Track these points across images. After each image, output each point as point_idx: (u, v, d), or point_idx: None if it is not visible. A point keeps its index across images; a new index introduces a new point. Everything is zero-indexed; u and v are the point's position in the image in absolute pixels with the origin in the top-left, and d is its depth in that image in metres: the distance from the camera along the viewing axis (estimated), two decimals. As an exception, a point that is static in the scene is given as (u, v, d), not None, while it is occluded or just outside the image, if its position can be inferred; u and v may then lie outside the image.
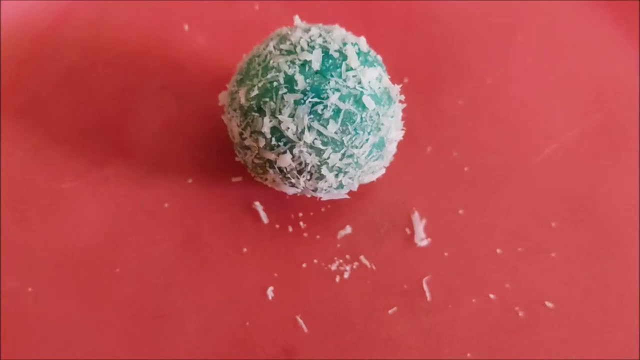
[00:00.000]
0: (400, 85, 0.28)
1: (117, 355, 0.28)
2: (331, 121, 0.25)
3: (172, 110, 0.33)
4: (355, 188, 0.29)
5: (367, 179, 0.29)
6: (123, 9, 0.36)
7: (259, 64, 0.27)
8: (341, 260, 0.31)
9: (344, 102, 0.26)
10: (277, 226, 0.31)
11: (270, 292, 0.30)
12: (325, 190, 0.28)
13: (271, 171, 0.27)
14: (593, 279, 0.31)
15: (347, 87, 0.26)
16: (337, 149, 0.26)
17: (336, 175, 0.27)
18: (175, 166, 0.32)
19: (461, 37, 0.36)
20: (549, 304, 0.30)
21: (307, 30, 0.27)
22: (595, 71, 0.35)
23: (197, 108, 0.33)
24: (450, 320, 0.30)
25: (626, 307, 0.30)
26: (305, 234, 0.31)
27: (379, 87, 0.27)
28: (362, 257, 0.31)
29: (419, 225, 0.31)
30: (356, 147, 0.26)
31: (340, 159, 0.26)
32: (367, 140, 0.26)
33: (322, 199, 0.30)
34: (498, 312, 0.30)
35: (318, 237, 0.31)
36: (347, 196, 0.30)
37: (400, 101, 0.29)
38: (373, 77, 0.26)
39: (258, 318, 0.29)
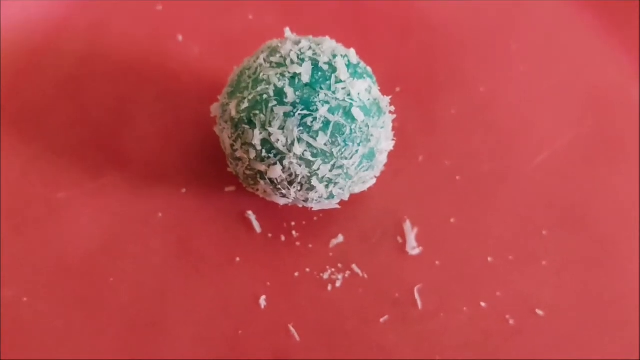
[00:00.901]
0: (390, 97, 0.29)
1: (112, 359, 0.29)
2: (320, 133, 0.26)
3: (166, 120, 0.33)
4: (346, 198, 0.30)
5: (358, 188, 0.29)
6: (119, 19, 0.36)
7: (249, 77, 0.27)
8: (333, 269, 0.31)
9: (333, 114, 0.26)
10: (270, 235, 0.31)
11: (262, 300, 0.30)
12: (316, 200, 0.28)
13: (262, 182, 0.28)
14: (583, 288, 0.31)
15: (337, 99, 0.26)
16: (326, 160, 0.26)
17: (326, 186, 0.27)
18: (169, 176, 0.32)
19: (454, 46, 0.36)
20: (539, 312, 0.30)
21: (297, 43, 0.28)
22: (587, 80, 0.36)
23: (191, 118, 0.33)
24: (441, 328, 0.30)
25: (616, 316, 0.30)
26: (297, 243, 0.31)
27: (369, 99, 0.27)
28: (354, 266, 0.31)
29: (411, 234, 0.32)
30: (346, 159, 0.27)
31: (330, 170, 0.27)
32: (356, 151, 0.27)
33: (313, 209, 0.31)
34: (489, 320, 0.30)
35: (310, 246, 0.31)
36: (338, 206, 0.30)
37: (391, 112, 0.29)
38: (362, 89, 0.27)
39: (251, 326, 0.30)
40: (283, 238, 0.31)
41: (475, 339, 0.30)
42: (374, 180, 0.30)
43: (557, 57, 0.36)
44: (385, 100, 0.28)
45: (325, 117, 0.26)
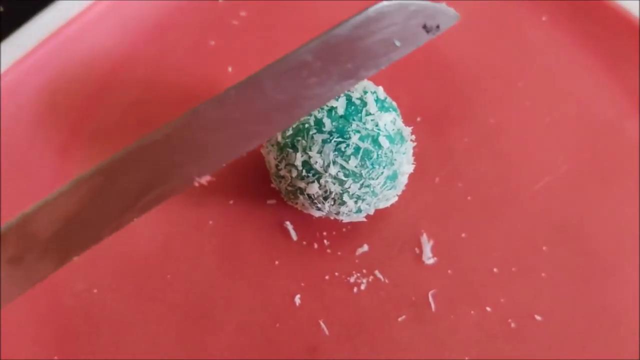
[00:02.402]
0: (412, 127, 0.32)
1: (167, 348, 0.32)
2: (352, 157, 0.30)
3: None
4: (372, 212, 0.33)
5: (382, 205, 0.33)
6: (177, 52, 0.40)
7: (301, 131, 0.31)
8: (358, 274, 0.33)
9: (363, 141, 0.30)
10: (305, 243, 0.34)
11: (297, 299, 0.33)
12: (346, 214, 0.32)
13: (301, 197, 0.31)
14: (578, 297, 0.33)
15: (366, 129, 0.30)
16: (356, 180, 0.30)
17: (355, 202, 0.31)
18: (219, 189, 0.35)
19: (468, 83, 0.39)
20: (538, 318, 0.32)
21: None
22: (586, 115, 0.38)
23: None
24: (451, 328, 0.32)
25: (608, 322, 0.32)
26: (328, 250, 0.34)
27: (393, 129, 0.31)
28: (376, 272, 0.33)
29: (427, 246, 0.34)
30: (373, 179, 0.30)
31: (359, 188, 0.30)
32: (382, 173, 0.30)
33: (343, 221, 0.34)
34: (493, 323, 0.32)
35: (339, 253, 0.34)
36: (364, 219, 0.33)
37: (412, 140, 0.32)
38: (388, 121, 0.30)
39: (286, 321, 0.32)
40: (316, 246, 0.34)
41: (481, 339, 0.32)
42: (396, 198, 0.33)
43: (559, 94, 0.38)
44: (407, 130, 0.32)
45: (356, 144, 0.30)
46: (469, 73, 0.39)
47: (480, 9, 0.41)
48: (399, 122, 0.32)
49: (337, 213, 0.32)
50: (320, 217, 0.34)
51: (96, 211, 0.22)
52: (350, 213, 0.32)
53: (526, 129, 0.37)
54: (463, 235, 0.35)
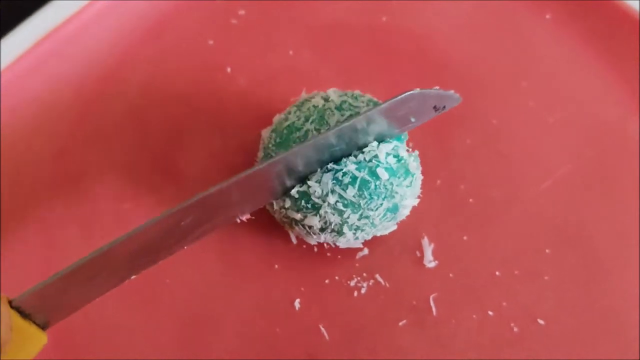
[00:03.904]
0: (416, 152, 0.32)
1: (166, 353, 0.32)
2: (350, 187, 0.29)
3: (216, 144, 0.37)
4: (369, 238, 0.32)
5: (380, 233, 0.32)
6: (175, 53, 0.39)
7: (298, 138, 0.31)
8: (359, 278, 0.33)
9: (360, 171, 0.29)
10: (304, 247, 0.34)
11: (297, 303, 0.33)
12: (343, 243, 0.32)
13: (297, 228, 0.31)
14: (581, 301, 0.33)
15: (365, 159, 0.30)
16: (355, 210, 0.30)
17: (354, 233, 0.30)
18: None
19: (470, 83, 0.38)
20: (540, 321, 0.32)
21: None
22: (589, 115, 0.37)
23: (238, 142, 0.36)
24: (453, 333, 0.32)
25: (610, 325, 0.32)
26: (328, 254, 0.34)
27: (396, 162, 0.30)
28: (377, 276, 0.33)
29: (428, 249, 0.34)
30: (371, 210, 0.30)
31: (359, 219, 0.30)
32: (381, 204, 0.30)
33: (340, 247, 0.33)
34: (495, 327, 0.32)
35: (339, 257, 0.34)
36: (361, 245, 0.33)
37: (420, 172, 0.32)
38: (388, 150, 0.30)
39: (286, 325, 0.32)
40: (316, 249, 0.34)
41: (483, 344, 0.32)
42: (395, 227, 0.33)
43: (562, 94, 0.38)
44: (414, 163, 0.31)
45: (353, 173, 0.29)
46: (471, 73, 0.39)
47: (483, 8, 0.41)
48: (403, 152, 0.31)
49: (335, 242, 0.32)
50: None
51: (162, 243, 0.28)
52: (349, 242, 0.32)
53: (529, 129, 0.37)
54: (465, 238, 0.35)
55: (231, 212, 0.30)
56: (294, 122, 0.31)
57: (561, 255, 0.34)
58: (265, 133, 0.33)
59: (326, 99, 0.32)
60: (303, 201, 0.30)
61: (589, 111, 0.38)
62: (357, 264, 0.34)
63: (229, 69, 0.39)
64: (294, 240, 0.34)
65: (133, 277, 0.28)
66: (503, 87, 0.38)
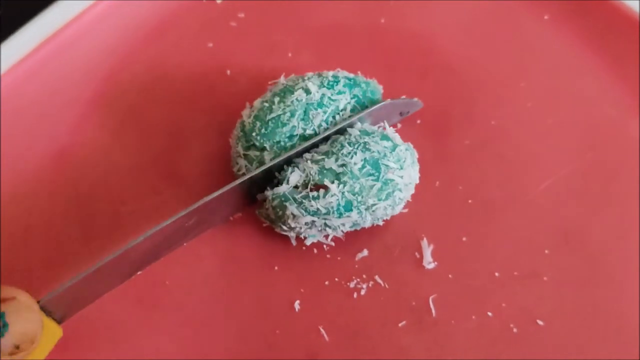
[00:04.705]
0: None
1: (166, 354, 0.32)
2: (322, 144, 0.33)
3: (215, 145, 0.37)
4: (364, 216, 0.32)
5: (374, 205, 0.31)
6: (175, 55, 0.40)
7: (285, 133, 0.33)
8: (358, 279, 0.33)
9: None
10: (304, 248, 0.34)
11: (297, 304, 0.33)
12: (334, 210, 0.31)
13: (289, 219, 0.32)
14: (580, 302, 0.33)
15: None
16: (329, 156, 0.32)
17: (338, 186, 0.31)
18: None
19: (469, 84, 0.38)
20: (540, 322, 0.32)
21: None
22: (588, 116, 0.38)
23: None
24: (452, 334, 0.32)
25: (609, 326, 0.32)
26: (328, 256, 0.34)
27: (370, 131, 0.32)
28: (376, 277, 0.33)
29: (427, 250, 0.34)
30: (346, 157, 0.31)
31: (338, 165, 0.31)
32: (355, 153, 0.31)
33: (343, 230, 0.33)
34: (495, 328, 0.32)
35: (339, 258, 0.34)
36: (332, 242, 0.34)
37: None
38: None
39: (286, 327, 0.32)
40: (315, 251, 0.34)
41: (482, 345, 0.32)
42: (394, 208, 0.33)
43: (561, 95, 0.38)
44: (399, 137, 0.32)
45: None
46: (470, 73, 0.39)
47: (481, 9, 0.41)
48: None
49: (327, 213, 0.31)
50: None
51: (166, 244, 0.33)
52: (340, 208, 0.31)
53: (528, 130, 0.37)
54: (464, 239, 0.35)
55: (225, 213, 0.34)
56: (279, 116, 0.33)
57: (560, 256, 0.34)
58: (247, 117, 0.34)
59: (307, 92, 0.33)
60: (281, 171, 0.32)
61: (588, 112, 0.38)
62: (356, 266, 0.34)
63: (228, 72, 0.39)
64: (294, 242, 0.34)
65: (139, 272, 0.33)
66: (502, 88, 0.39)
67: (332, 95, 0.33)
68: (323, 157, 0.31)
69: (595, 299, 0.33)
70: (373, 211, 0.32)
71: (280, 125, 0.32)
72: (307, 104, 0.33)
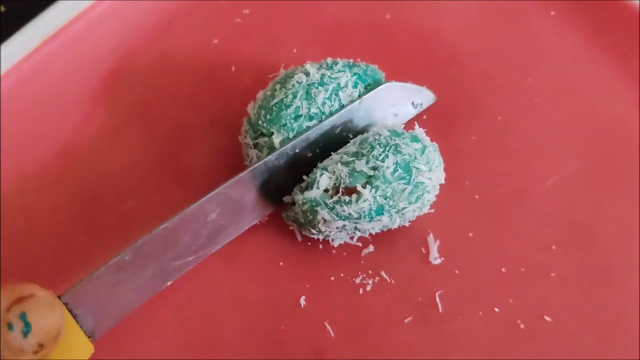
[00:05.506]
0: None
1: (171, 351, 0.32)
2: (351, 145, 0.32)
3: (220, 142, 0.37)
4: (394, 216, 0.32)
5: (404, 208, 0.31)
6: (180, 51, 0.40)
7: (289, 114, 0.33)
8: (364, 275, 0.33)
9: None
10: (309, 244, 0.34)
11: (302, 300, 0.33)
12: (366, 214, 0.31)
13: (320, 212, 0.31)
14: (588, 297, 0.33)
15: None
16: (360, 157, 0.31)
17: (370, 191, 0.30)
18: None
19: (476, 79, 0.38)
20: (547, 318, 0.32)
21: None
22: (595, 111, 0.37)
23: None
24: (459, 330, 0.32)
25: (617, 322, 0.32)
26: (333, 251, 0.34)
27: (399, 130, 0.31)
28: (382, 273, 0.33)
29: (434, 246, 0.34)
30: (378, 160, 0.31)
31: (369, 169, 0.31)
32: (387, 155, 0.31)
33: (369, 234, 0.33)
34: (502, 324, 0.32)
35: (345, 254, 0.34)
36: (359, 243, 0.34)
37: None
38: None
39: (292, 323, 0.33)
40: (321, 246, 0.34)
41: (489, 341, 0.32)
42: (424, 205, 0.32)
43: (568, 90, 0.38)
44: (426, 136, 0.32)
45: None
46: (476, 69, 0.39)
47: (487, 5, 0.41)
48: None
49: (359, 217, 0.31)
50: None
51: (194, 239, 0.32)
52: (372, 212, 0.31)
53: (535, 126, 0.37)
54: (470, 234, 0.35)
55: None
56: (282, 100, 0.33)
57: (568, 252, 0.34)
58: (252, 109, 0.34)
59: (307, 74, 0.33)
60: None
61: (595, 108, 0.38)
62: (362, 261, 0.34)
63: (233, 68, 0.39)
64: (299, 238, 0.34)
65: (170, 281, 0.32)
66: (508, 84, 0.38)
67: (332, 74, 0.33)
68: (353, 158, 0.31)
69: (603, 295, 0.33)
70: (403, 214, 0.31)
71: (284, 107, 0.32)
72: (307, 84, 0.33)
